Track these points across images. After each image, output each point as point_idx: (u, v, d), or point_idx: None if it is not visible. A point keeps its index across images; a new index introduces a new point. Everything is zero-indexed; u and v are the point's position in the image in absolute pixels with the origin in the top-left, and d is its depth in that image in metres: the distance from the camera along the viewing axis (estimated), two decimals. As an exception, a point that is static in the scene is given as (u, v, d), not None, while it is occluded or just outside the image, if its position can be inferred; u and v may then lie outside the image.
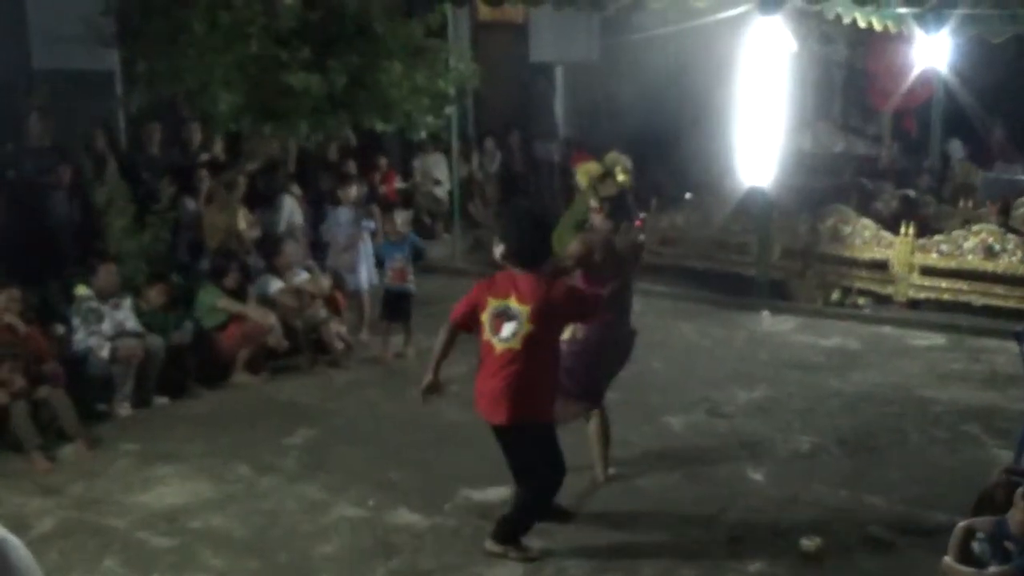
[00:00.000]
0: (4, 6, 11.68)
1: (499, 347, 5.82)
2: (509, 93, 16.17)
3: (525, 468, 6.04)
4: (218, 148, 11.78)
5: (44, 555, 6.01)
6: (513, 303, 5.80)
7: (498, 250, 6.08)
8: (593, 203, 6.92)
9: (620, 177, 6.93)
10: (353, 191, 10.94)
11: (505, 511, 6.17)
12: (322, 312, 9.78)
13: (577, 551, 6.09)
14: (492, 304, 5.85)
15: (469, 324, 5.97)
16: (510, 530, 6.06)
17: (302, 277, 10.05)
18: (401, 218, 10.15)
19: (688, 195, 13.24)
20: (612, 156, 7.09)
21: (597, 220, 6.89)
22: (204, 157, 11.64)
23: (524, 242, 5.94)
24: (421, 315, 10.25)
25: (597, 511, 6.61)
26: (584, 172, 6.98)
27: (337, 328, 9.99)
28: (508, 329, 5.79)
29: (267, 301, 9.60)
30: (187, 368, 8.99)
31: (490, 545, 6.06)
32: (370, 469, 7.26)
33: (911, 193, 13.33)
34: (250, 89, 9.41)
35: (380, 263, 10.12)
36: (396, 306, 9.91)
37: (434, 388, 6.11)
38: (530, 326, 5.75)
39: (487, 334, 5.86)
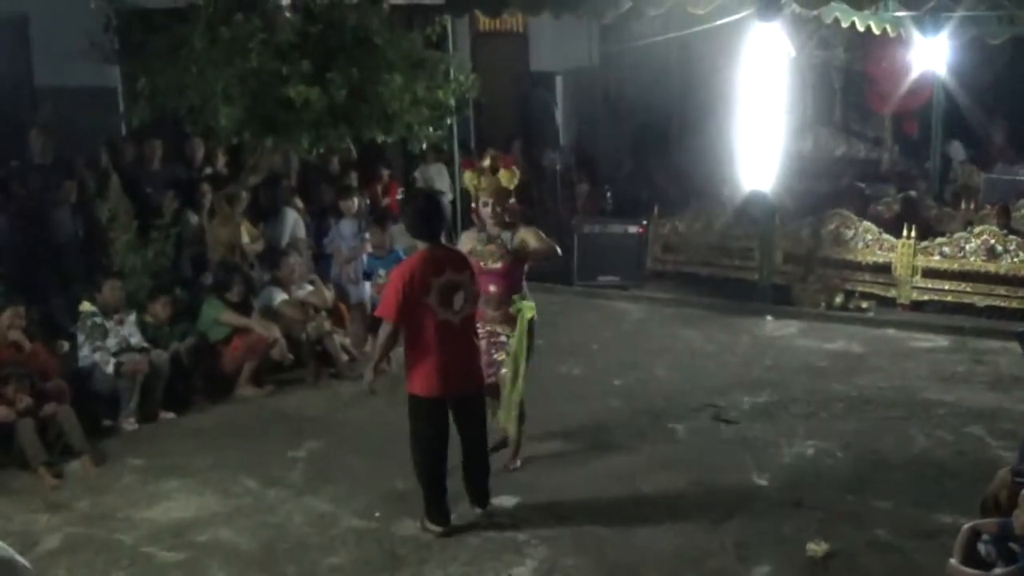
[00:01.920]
0: (6, 24, 11.74)
1: (455, 319, 6.29)
2: (510, 102, 16.19)
3: (482, 430, 6.63)
4: (221, 162, 11.81)
5: (51, 571, 6.05)
6: (453, 275, 6.29)
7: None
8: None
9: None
10: (355, 203, 10.96)
11: (475, 478, 6.64)
12: (326, 324, 9.80)
13: (583, 558, 6.10)
14: (436, 283, 6.20)
15: (407, 315, 6.21)
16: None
17: (305, 290, 10.08)
18: (400, 230, 10.14)
19: (690, 204, 13.27)
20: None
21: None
22: (207, 171, 11.69)
23: (423, 217, 6.40)
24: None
25: (603, 517, 6.61)
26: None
27: (341, 340, 10.01)
28: (459, 300, 6.29)
29: (271, 313, 9.62)
30: (192, 382, 9.01)
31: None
32: (376, 480, 7.27)
33: (913, 194, 13.35)
34: (251, 103, 9.44)
35: (367, 276, 10.08)
36: (377, 321, 9.81)
37: (373, 389, 6.66)
38: (473, 288, 6.44)
39: (439, 314, 6.22)
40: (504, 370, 7.21)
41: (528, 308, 7.20)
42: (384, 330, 6.31)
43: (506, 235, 7.18)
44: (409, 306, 6.17)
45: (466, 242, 7.32)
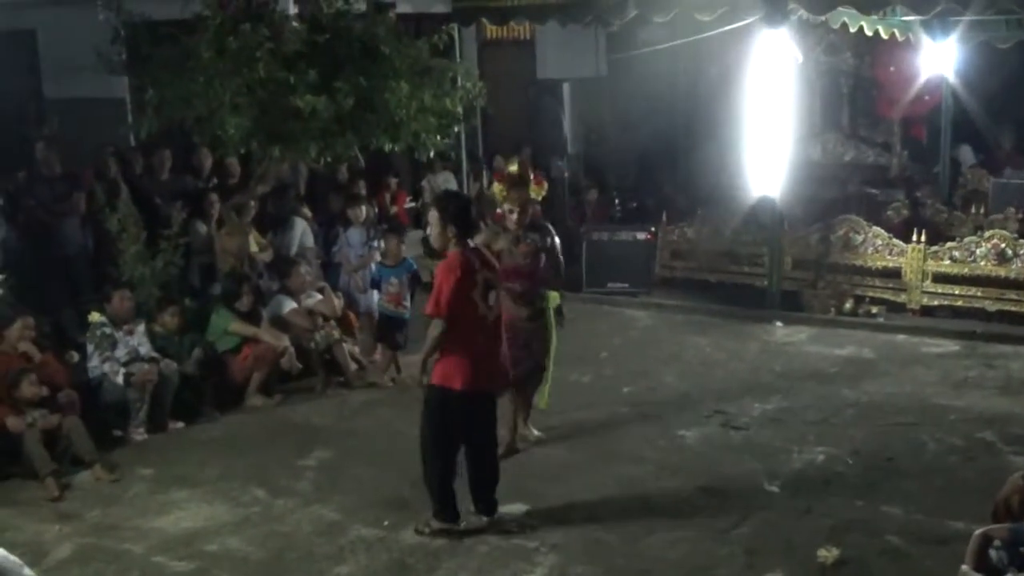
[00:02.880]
0: (14, 38, 11.79)
1: (490, 316, 6.47)
2: (517, 110, 16.19)
3: (493, 434, 6.71)
4: (235, 172, 11.83)
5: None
6: (488, 273, 6.45)
7: (438, 232, 6.47)
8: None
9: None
10: (363, 212, 10.97)
11: (484, 485, 6.62)
12: (334, 333, 9.80)
13: (593, 566, 6.09)
14: (479, 280, 6.35)
15: (457, 312, 6.28)
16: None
17: (314, 298, 10.08)
18: (409, 239, 10.15)
19: (698, 211, 13.25)
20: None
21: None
22: (214, 181, 11.72)
23: (462, 217, 6.47)
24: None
25: (612, 525, 6.60)
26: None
27: (350, 348, 10.01)
28: (492, 297, 6.47)
29: (279, 322, 9.62)
30: (202, 392, 9.02)
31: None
32: (385, 489, 7.27)
33: (921, 196, 13.31)
34: (258, 113, 9.44)
35: (376, 285, 10.07)
36: (387, 331, 9.86)
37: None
38: (499, 287, 6.61)
39: (481, 309, 6.37)
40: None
41: (554, 298, 7.77)
42: (436, 328, 6.30)
43: (534, 235, 7.63)
44: (459, 303, 6.25)
45: (494, 240, 7.58)
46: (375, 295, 10.31)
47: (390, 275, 9.83)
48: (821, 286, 11.74)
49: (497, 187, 7.80)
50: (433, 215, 6.53)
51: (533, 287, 7.66)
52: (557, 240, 7.85)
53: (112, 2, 9.76)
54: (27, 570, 3.01)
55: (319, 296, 10.15)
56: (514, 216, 7.55)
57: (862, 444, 7.89)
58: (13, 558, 3.05)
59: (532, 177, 7.66)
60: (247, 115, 9.34)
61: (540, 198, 7.80)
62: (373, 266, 10.32)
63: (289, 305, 9.80)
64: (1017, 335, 10.41)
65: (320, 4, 10.06)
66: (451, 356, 6.32)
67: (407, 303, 9.84)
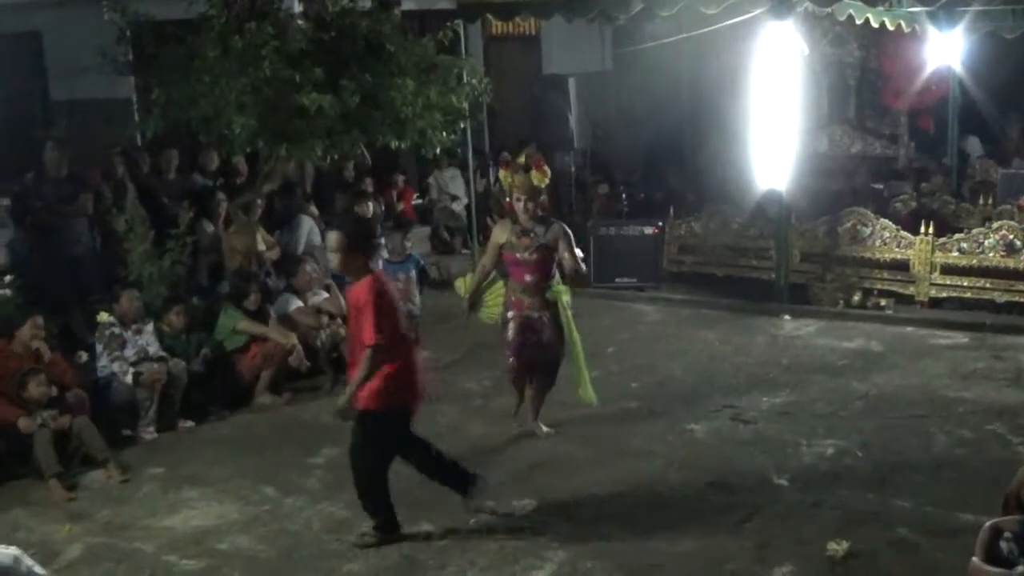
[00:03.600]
0: (20, 39, 11.81)
1: (410, 333, 6.82)
2: (522, 106, 16.18)
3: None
4: (242, 170, 11.85)
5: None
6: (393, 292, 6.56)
7: (343, 258, 6.31)
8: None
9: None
10: (370, 209, 10.97)
11: (446, 473, 6.66)
12: (341, 331, 9.80)
13: (603, 561, 6.08)
14: (396, 299, 6.53)
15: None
16: None
17: (321, 296, 10.09)
18: (416, 236, 10.14)
19: (705, 205, 13.22)
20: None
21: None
22: (220, 181, 11.73)
23: (368, 241, 6.59)
24: (438, 330, 10.33)
25: (622, 520, 6.60)
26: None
27: None
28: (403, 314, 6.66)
29: (286, 320, 9.63)
30: (211, 391, 9.03)
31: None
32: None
33: (928, 187, 13.27)
34: (264, 111, 9.46)
35: None
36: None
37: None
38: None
39: (403, 326, 6.52)
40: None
41: (564, 291, 7.85)
42: (373, 353, 6.10)
43: (539, 229, 7.71)
44: (391, 325, 6.21)
45: (500, 234, 7.88)
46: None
47: (397, 271, 9.81)
48: (829, 279, 11.72)
49: (503, 174, 7.91)
50: (337, 241, 6.29)
51: (541, 279, 7.76)
52: (569, 232, 7.82)
53: (117, 3, 9.79)
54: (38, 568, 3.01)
55: (325, 294, 10.15)
56: (521, 204, 7.67)
57: (871, 437, 7.88)
58: (28, 560, 3.07)
59: (533, 162, 7.74)
60: (253, 114, 9.36)
61: (543, 184, 7.80)
62: (380, 263, 10.32)
63: (295, 303, 9.81)
64: (1026, 326, 10.40)
65: (325, 2, 10.09)
66: (385, 377, 6.20)
67: (416, 299, 9.83)
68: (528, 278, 7.76)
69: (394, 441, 6.45)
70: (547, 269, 7.78)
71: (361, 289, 6.21)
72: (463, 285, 8.26)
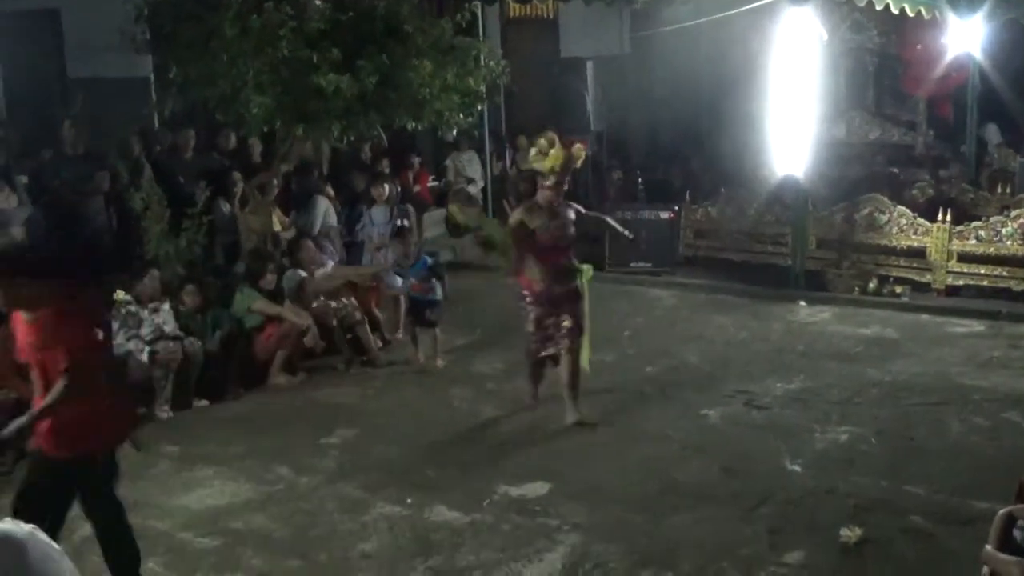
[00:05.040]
0: (38, 18, 11.83)
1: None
2: (540, 89, 16.16)
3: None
4: (256, 151, 11.87)
5: (87, 558, 6.08)
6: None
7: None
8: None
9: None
10: (386, 190, 10.97)
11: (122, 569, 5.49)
12: (356, 314, 9.81)
13: (615, 545, 6.09)
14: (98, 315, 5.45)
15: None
16: None
17: (324, 269, 10.12)
18: (431, 218, 10.13)
19: (722, 190, 13.18)
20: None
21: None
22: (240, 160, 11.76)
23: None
24: (456, 312, 10.34)
25: (635, 504, 6.60)
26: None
27: (376, 315, 10.10)
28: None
29: (301, 300, 9.62)
30: (226, 370, 9.06)
31: None
32: (408, 467, 7.29)
33: (946, 175, 13.22)
34: (282, 92, 9.46)
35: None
36: (421, 313, 9.78)
37: None
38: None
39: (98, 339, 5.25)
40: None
41: (588, 270, 7.99)
42: (63, 384, 4.95)
43: (566, 211, 7.87)
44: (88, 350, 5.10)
45: (530, 218, 7.76)
46: (398, 279, 10.31)
47: (409, 275, 9.77)
48: (845, 266, 11.69)
49: (532, 152, 7.87)
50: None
51: (571, 257, 7.94)
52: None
53: (135, -19, 9.79)
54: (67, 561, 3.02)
55: (325, 270, 10.15)
56: (549, 182, 7.70)
57: (886, 424, 7.86)
58: (43, 535, 3.08)
59: (577, 141, 7.86)
60: (270, 94, 9.37)
61: (580, 161, 7.91)
62: (394, 276, 10.27)
63: (302, 275, 9.78)
64: (1043, 315, 10.36)
65: (343, -17, 10.06)
66: (70, 414, 5.02)
67: (438, 291, 9.79)
68: (563, 260, 7.85)
69: (64, 494, 5.22)
70: (572, 252, 7.97)
71: (46, 316, 4.99)
72: (457, 212, 8.54)
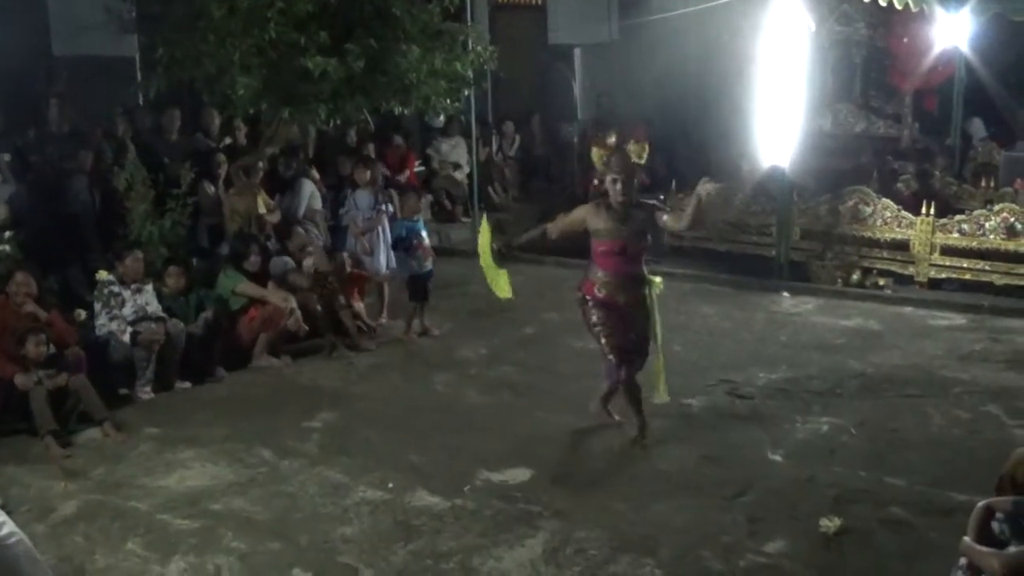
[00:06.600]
0: (24, -6, 11.71)
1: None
2: (527, 75, 16.14)
3: None
4: (241, 134, 11.82)
5: (67, 537, 6.09)
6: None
7: None
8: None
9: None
10: (371, 174, 10.95)
11: None
12: (340, 298, 9.80)
13: (596, 531, 6.10)
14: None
15: None
16: None
17: (311, 257, 10.12)
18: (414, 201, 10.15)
19: (704, 179, 13.16)
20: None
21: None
22: (227, 141, 11.70)
23: None
24: (440, 297, 10.32)
25: (617, 492, 6.62)
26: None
27: (356, 306, 10.03)
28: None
29: (284, 283, 9.61)
30: (209, 352, 9.03)
31: None
32: (390, 452, 7.29)
33: (929, 168, 13.26)
34: (268, 74, 9.43)
35: (400, 244, 10.03)
36: (423, 286, 9.92)
37: None
38: None
39: None
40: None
41: (658, 283, 7.19)
42: None
43: (637, 213, 7.00)
44: None
45: (592, 218, 7.03)
46: (382, 259, 10.31)
47: (415, 227, 9.84)
48: (829, 257, 11.73)
49: (596, 153, 7.13)
50: None
51: (638, 269, 7.12)
52: (660, 205, 7.26)
53: (123, -41, 9.73)
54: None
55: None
56: (618, 187, 6.88)
57: (867, 415, 7.89)
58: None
59: (633, 135, 7.20)
60: (257, 75, 9.33)
61: (642, 160, 7.09)
62: (386, 225, 10.31)
63: (290, 266, 9.79)
64: (1024, 309, 10.41)
65: (332, -35, 10.01)
66: None
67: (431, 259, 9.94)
68: (625, 270, 7.03)
69: None
70: (642, 259, 7.18)
71: None
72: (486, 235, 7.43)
